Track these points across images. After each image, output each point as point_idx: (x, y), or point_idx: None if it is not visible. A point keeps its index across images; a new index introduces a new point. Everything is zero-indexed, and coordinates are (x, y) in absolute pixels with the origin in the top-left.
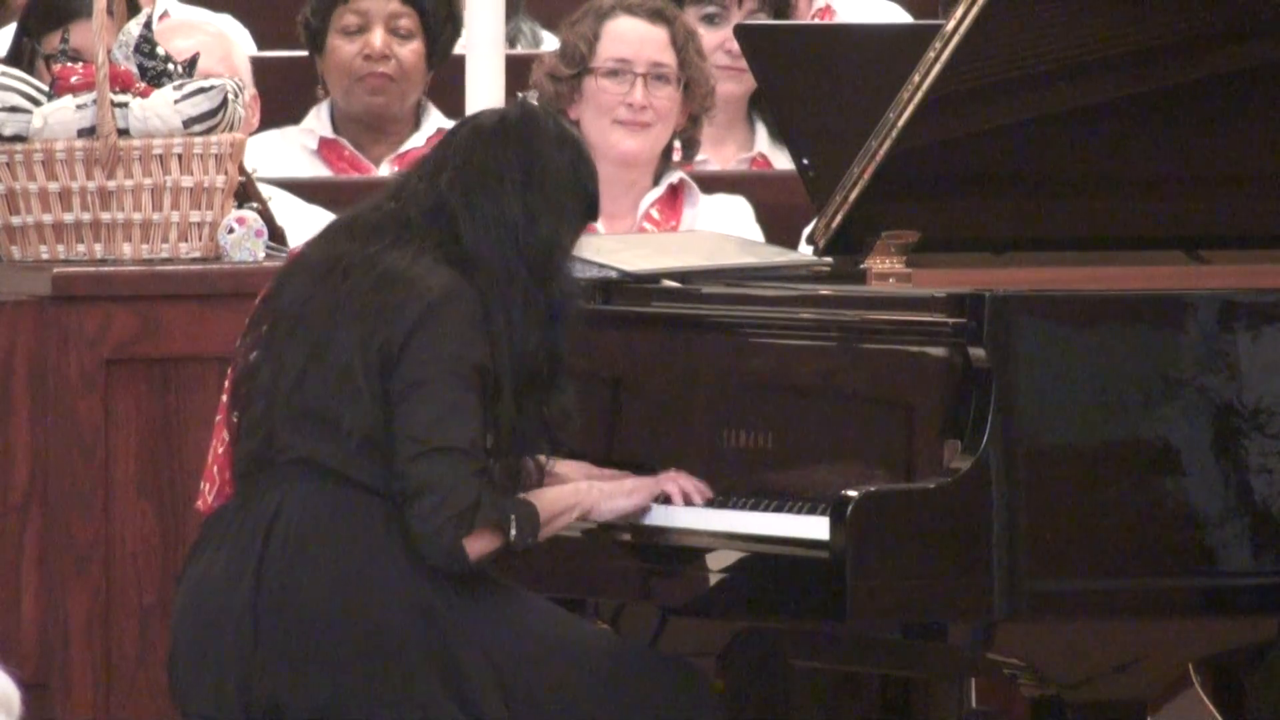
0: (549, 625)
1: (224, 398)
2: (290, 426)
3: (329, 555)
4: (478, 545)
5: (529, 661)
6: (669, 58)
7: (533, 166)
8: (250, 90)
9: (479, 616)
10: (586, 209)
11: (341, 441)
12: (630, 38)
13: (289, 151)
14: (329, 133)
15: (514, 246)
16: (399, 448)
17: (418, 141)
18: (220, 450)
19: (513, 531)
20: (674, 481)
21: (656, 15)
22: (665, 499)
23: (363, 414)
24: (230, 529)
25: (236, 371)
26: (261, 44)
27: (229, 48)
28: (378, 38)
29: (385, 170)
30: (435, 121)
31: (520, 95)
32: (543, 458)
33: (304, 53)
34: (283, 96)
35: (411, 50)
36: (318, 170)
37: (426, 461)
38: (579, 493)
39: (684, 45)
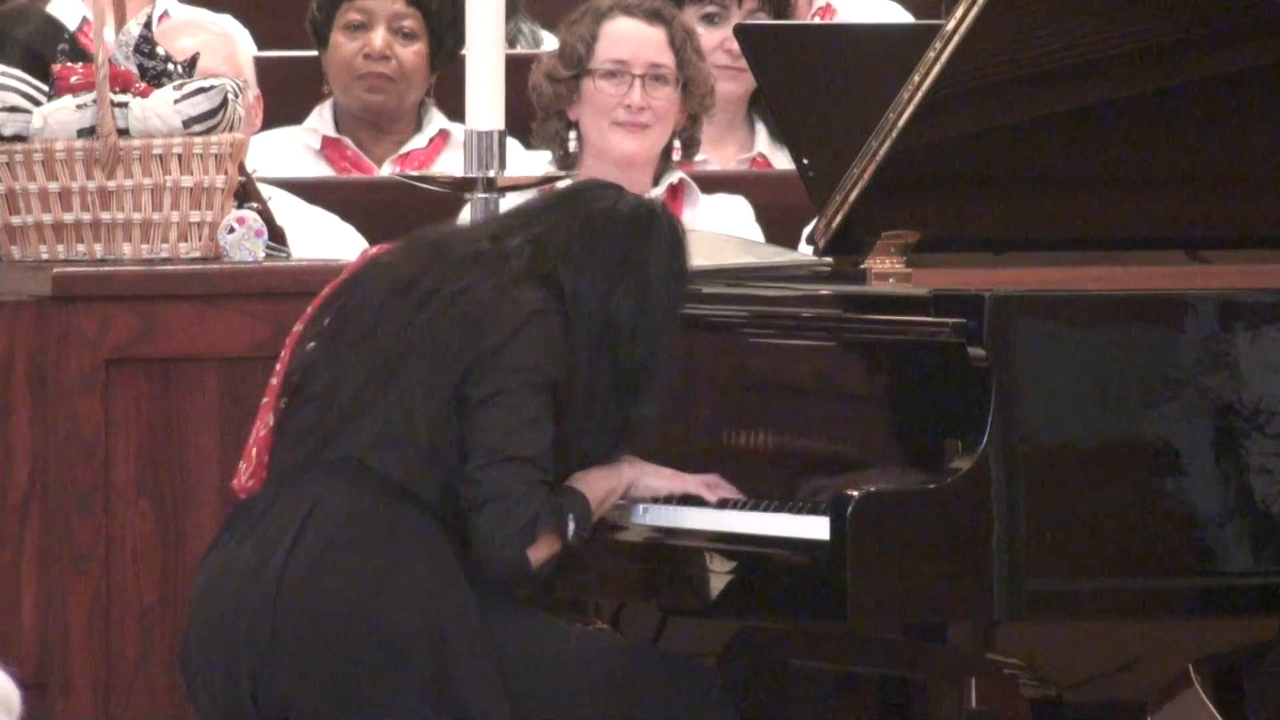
0: (558, 628)
1: (274, 380)
2: (342, 427)
3: (354, 562)
4: (540, 553)
5: (540, 670)
6: (667, 58)
7: (644, 278)
8: (254, 90)
9: (491, 632)
10: (675, 322)
11: (391, 446)
12: (628, 39)
13: (292, 151)
14: (332, 132)
15: (609, 352)
16: (472, 453)
17: (420, 143)
18: (263, 433)
19: (570, 531)
20: (710, 487)
21: (654, 16)
22: (691, 499)
23: (418, 425)
24: (261, 520)
25: (292, 361)
26: (262, 44)
27: (233, 48)
28: (379, 37)
29: (387, 170)
30: (438, 123)
31: (650, 198)
32: None
33: (305, 53)
34: (283, 96)
35: (414, 51)
36: (320, 169)
37: (496, 471)
38: (620, 471)
39: (682, 45)
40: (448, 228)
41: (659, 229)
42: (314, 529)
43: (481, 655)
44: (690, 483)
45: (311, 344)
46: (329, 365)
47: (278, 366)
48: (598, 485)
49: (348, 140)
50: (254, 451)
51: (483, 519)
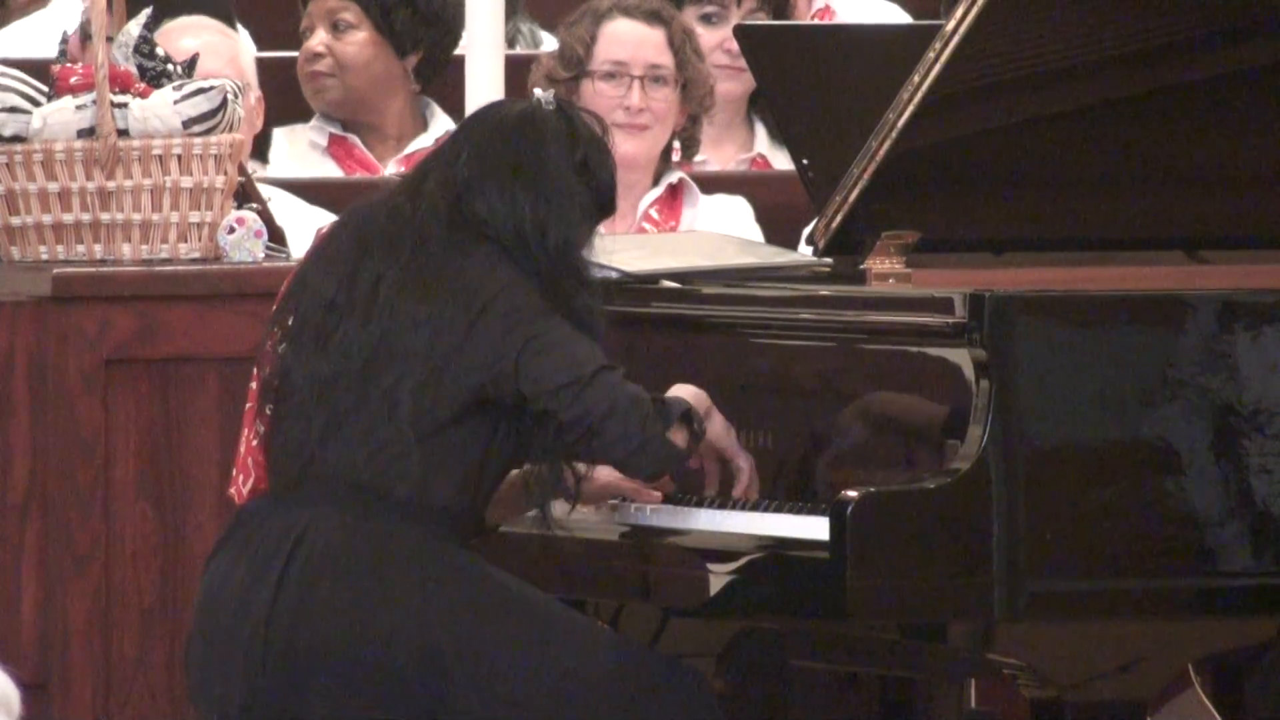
0: (551, 633)
1: (252, 385)
2: (327, 442)
3: (343, 594)
4: (679, 435)
5: (532, 676)
6: (666, 59)
7: (540, 175)
8: (256, 92)
9: (481, 643)
10: (601, 204)
11: (379, 454)
12: (627, 40)
13: (299, 149)
14: (338, 130)
15: (528, 255)
16: (551, 403)
17: (425, 142)
18: (254, 442)
19: (696, 419)
20: (746, 475)
21: (653, 17)
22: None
23: (404, 428)
24: (258, 533)
25: (268, 370)
26: (260, 44)
27: (236, 49)
28: (316, 37)
29: (391, 170)
30: (442, 124)
31: (536, 93)
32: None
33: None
34: (281, 96)
35: (353, 42)
36: (328, 167)
37: (589, 393)
38: (697, 394)
39: (681, 46)
40: (375, 196)
41: (545, 124)
42: (303, 556)
43: (478, 671)
44: (740, 457)
45: (282, 346)
46: (301, 372)
47: (255, 370)
48: (695, 398)
49: (354, 138)
50: (249, 462)
51: (611, 431)
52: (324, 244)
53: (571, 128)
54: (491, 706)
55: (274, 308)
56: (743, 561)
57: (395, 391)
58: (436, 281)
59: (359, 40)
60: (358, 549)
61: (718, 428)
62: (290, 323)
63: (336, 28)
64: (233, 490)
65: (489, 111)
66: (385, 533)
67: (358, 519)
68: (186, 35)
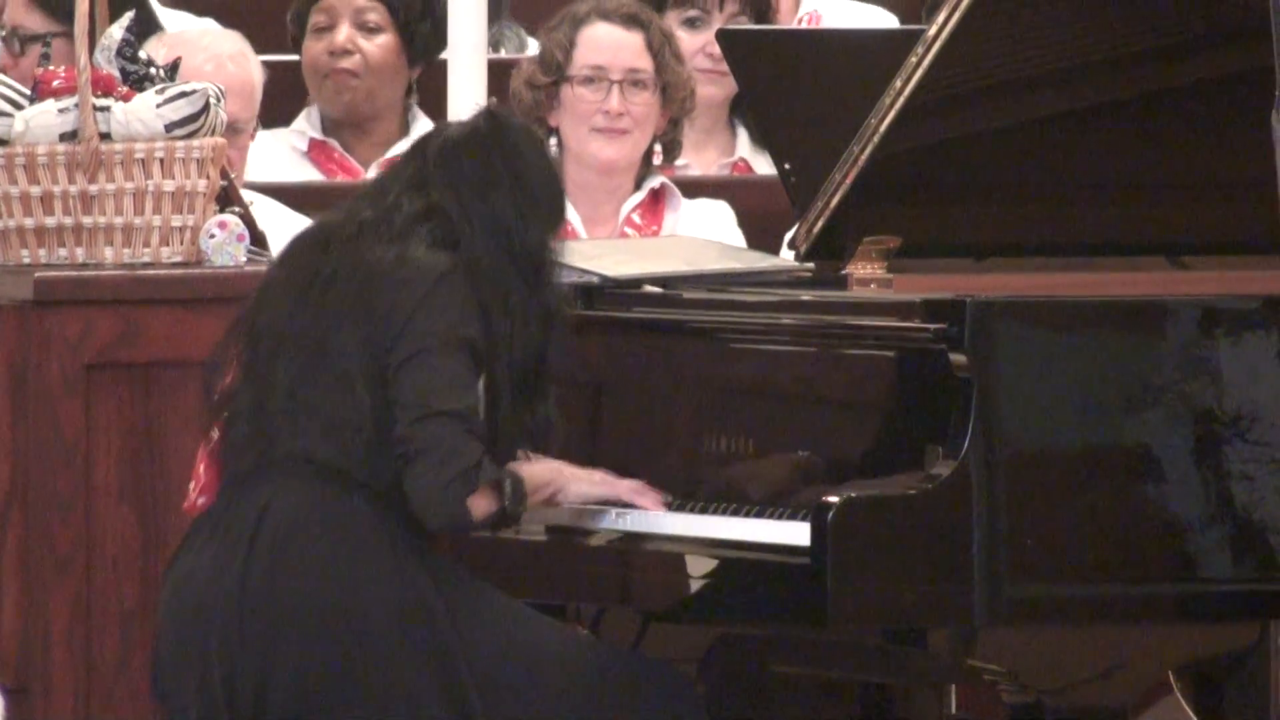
0: (532, 629)
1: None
2: (283, 427)
3: (316, 551)
4: (480, 505)
5: (511, 664)
6: (645, 63)
7: (519, 170)
8: (253, 124)
9: (463, 617)
10: (561, 208)
11: (336, 436)
12: (605, 44)
13: (279, 153)
14: (318, 134)
15: (508, 252)
16: (398, 414)
17: (406, 145)
18: (201, 451)
19: (508, 493)
20: (638, 494)
21: (631, 20)
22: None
23: (363, 411)
24: (218, 525)
25: (215, 390)
26: None
27: (253, 86)
28: (342, 33)
29: (373, 173)
30: (423, 126)
31: (484, 102)
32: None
33: (287, 56)
34: (266, 101)
35: (379, 45)
36: (308, 172)
37: (427, 425)
38: (553, 471)
39: (660, 49)
40: (330, 215)
41: (511, 125)
42: (269, 528)
43: (457, 628)
44: (622, 489)
45: (234, 375)
46: (252, 382)
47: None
48: (532, 476)
49: (334, 143)
50: (200, 469)
51: (419, 469)
52: (275, 274)
53: (526, 129)
54: (491, 647)
55: (225, 334)
56: (724, 567)
57: (348, 373)
58: (391, 269)
59: (384, 44)
60: (322, 514)
61: (581, 490)
62: (242, 349)
63: (363, 28)
64: (185, 504)
65: (445, 126)
66: (347, 503)
67: (319, 489)
68: (201, 54)
